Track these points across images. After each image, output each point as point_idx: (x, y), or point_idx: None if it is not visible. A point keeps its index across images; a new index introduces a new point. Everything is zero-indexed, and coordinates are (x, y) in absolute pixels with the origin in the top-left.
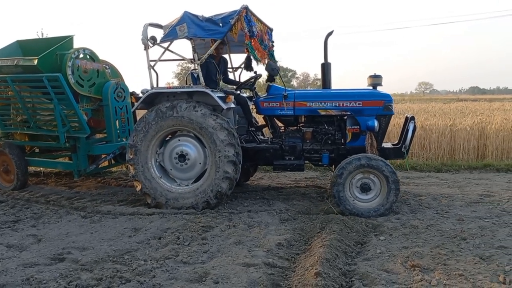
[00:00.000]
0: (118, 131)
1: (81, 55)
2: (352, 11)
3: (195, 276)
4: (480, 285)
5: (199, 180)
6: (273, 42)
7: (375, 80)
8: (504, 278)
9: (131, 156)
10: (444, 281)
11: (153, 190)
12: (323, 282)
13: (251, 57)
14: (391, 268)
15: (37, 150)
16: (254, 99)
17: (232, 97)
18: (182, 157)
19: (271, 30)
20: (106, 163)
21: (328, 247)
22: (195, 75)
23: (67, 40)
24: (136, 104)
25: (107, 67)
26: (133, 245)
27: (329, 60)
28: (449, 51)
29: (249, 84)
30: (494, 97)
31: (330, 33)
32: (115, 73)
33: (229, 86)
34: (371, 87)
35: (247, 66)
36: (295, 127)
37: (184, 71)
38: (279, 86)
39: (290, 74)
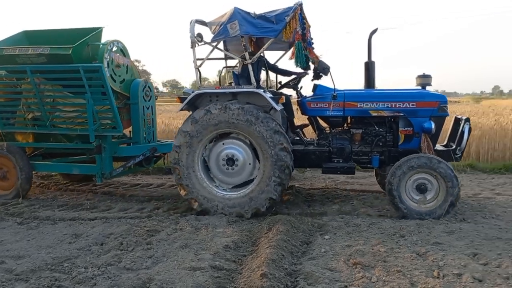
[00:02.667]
0: (145, 133)
1: (115, 48)
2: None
3: (139, 282)
4: (417, 280)
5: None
6: (312, 39)
7: (425, 80)
8: (438, 273)
9: (177, 159)
10: (384, 278)
11: (200, 196)
12: (269, 283)
13: (298, 57)
14: (334, 266)
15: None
16: (299, 99)
17: (284, 98)
18: (231, 160)
19: (310, 26)
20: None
21: (275, 247)
22: (237, 74)
23: (98, 32)
24: (181, 105)
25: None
26: (73, 252)
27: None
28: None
29: (294, 83)
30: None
31: (374, 31)
32: (135, 71)
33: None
34: (419, 87)
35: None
36: (342, 128)
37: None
38: (326, 86)
39: None
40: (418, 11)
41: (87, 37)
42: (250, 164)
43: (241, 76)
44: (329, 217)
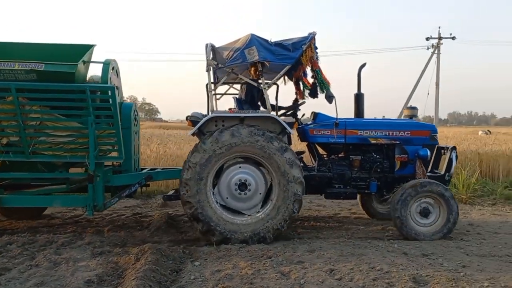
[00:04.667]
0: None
1: (112, 67)
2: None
3: None
4: None
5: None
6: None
7: (412, 111)
8: None
9: (189, 193)
10: None
11: (218, 226)
12: None
13: (317, 84)
14: None
15: None
16: (299, 126)
17: (297, 123)
18: (243, 185)
19: None
20: None
21: (142, 279)
22: (240, 99)
23: (92, 50)
24: (194, 128)
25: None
26: None
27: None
28: None
29: (293, 111)
30: None
31: (363, 65)
32: (121, 93)
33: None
34: (407, 118)
35: (314, 93)
36: (341, 155)
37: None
38: (325, 114)
39: None
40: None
41: (85, 55)
42: (261, 192)
43: (245, 102)
44: (201, 243)
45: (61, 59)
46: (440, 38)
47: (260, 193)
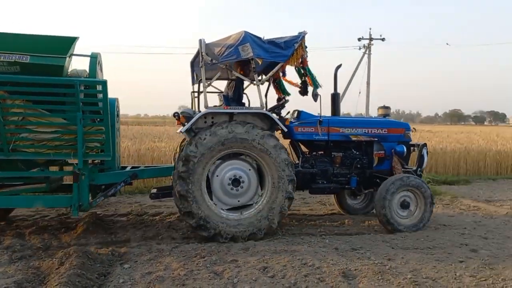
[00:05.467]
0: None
1: (98, 61)
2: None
3: None
4: None
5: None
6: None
7: (386, 110)
8: None
9: (184, 188)
10: None
11: (211, 222)
12: None
13: (308, 82)
14: None
15: None
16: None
17: (289, 120)
18: (237, 181)
19: None
20: None
21: (65, 284)
22: (226, 96)
23: (74, 42)
24: (187, 124)
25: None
26: None
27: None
28: None
29: (278, 109)
30: None
31: (339, 66)
32: None
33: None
34: (381, 117)
35: (304, 91)
36: (323, 152)
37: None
38: (308, 112)
39: None
40: None
41: (70, 47)
42: (253, 186)
43: (232, 100)
44: (132, 244)
45: (44, 51)
46: (371, 39)
47: (252, 190)
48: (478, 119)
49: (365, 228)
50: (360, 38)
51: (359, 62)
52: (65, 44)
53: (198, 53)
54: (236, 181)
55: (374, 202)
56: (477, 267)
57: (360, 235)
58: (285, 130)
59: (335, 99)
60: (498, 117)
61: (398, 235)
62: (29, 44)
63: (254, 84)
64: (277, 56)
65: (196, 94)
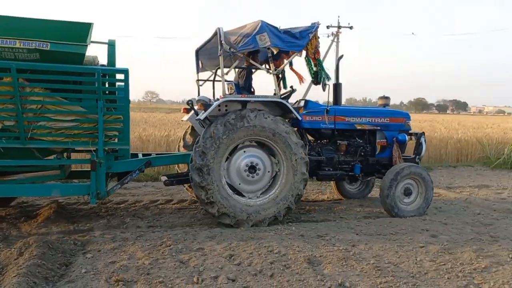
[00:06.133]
0: None
1: None
2: None
3: None
4: None
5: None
6: None
7: (385, 100)
8: (198, 278)
9: (204, 177)
10: None
11: (232, 208)
12: None
13: (320, 73)
14: (95, 286)
15: None
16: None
17: (302, 109)
18: (253, 168)
19: None
20: None
21: (25, 275)
22: (237, 84)
23: (91, 29)
24: (205, 112)
25: None
26: None
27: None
28: None
29: (286, 98)
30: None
31: (341, 57)
32: None
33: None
34: (381, 106)
35: (317, 80)
36: (328, 140)
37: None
38: (314, 101)
39: None
40: None
41: (88, 33)
42: (269, 172)
43: (243, 88)
44: (95, 233)
45: (63, 37)
46: (339, 27)
47: (268, 175)
48: (441, 108)
49: (331, 215)
50: (328, 26)
51: (327, 50)
52: (83, 31)
53: (206, 42)
54: (252, 168)
55: (368, 188)
56: (437, 252)
57: (326, 222)
58: (300, 118)
59: (337, 89)
60: (460, 106)
61: (362, 221)
62: (47, 30)
63: (270, 73)
64: (293, 45)
65: (201, 82)
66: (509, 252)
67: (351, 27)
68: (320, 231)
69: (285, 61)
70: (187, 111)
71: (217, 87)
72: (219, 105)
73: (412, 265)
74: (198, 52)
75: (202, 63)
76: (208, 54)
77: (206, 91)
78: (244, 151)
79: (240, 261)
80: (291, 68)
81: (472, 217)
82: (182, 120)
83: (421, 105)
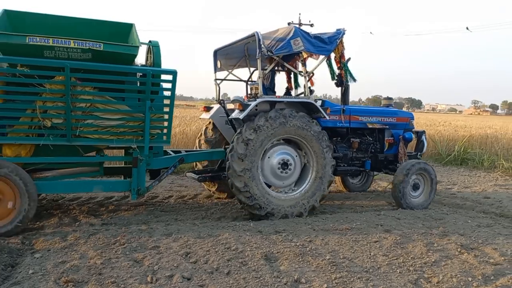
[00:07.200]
0: None
1: None
2: None
3: None
4: None
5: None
6: None
7: (389, 101)
8: (152, 278)
9: (243, 168)
10: None
11: (266, 201)
12: None
13: (345, 75)
14: None
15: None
16: None
17: (330, 109)
18: (285, 165)
19: None
20: None
21: None
22: (263, 86)
23: (135, 30)
24: (244, 112)
25: None
26: None
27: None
28: None
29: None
30: None
31: (348, 59)
32: None
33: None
34: (385, 107)
35: (340, 82)
36: (340, 138)
37: None
38: (330, 101)
39: None
40: None
41: (136, 35)
42: (298, 169)
43: (269, 89)
44: (45, 232)
45: (106, 37)
46: (300, 24)
47: (297, 173)
48: (397, 105)
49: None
50: (289, 22)
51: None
52: (121, 31)
53: (231, 43)
54: (285, 165)
55: (368, 182)
56: (390, 247)
57: (284, 218)
58: (328, 118)
59: (346, 90)
60: (415, 104)
61: (319, 217)
62: (97, 30)
63: (302, 75)
64: (323, 50)
65: (219, 82)
66: (457, 246)
67: (311, 25)
68: (278, 227)
69: (317, 64)
70: (206, 109)
71: (235, 87)
72: (256, 105)
73: (366, 260)
74: (216, 52)
75: (220, 63)
76: (226, 55)
77: (206, 91)
78: (278, 149)
79: (196, 259)
80: (304, 68)
81: (424, 212)
82: (200, 118)
83: (378, 103)
